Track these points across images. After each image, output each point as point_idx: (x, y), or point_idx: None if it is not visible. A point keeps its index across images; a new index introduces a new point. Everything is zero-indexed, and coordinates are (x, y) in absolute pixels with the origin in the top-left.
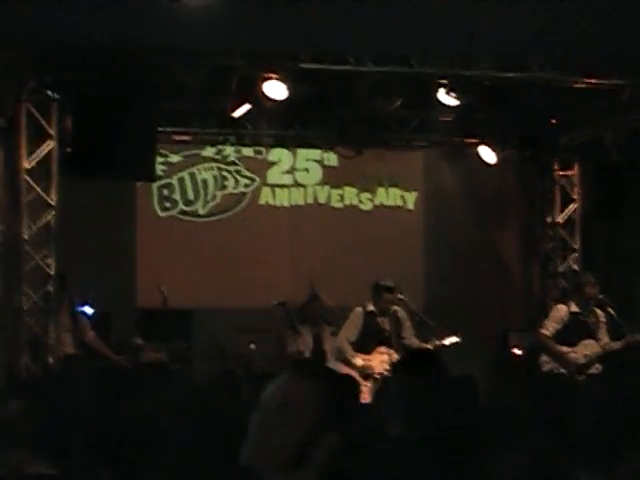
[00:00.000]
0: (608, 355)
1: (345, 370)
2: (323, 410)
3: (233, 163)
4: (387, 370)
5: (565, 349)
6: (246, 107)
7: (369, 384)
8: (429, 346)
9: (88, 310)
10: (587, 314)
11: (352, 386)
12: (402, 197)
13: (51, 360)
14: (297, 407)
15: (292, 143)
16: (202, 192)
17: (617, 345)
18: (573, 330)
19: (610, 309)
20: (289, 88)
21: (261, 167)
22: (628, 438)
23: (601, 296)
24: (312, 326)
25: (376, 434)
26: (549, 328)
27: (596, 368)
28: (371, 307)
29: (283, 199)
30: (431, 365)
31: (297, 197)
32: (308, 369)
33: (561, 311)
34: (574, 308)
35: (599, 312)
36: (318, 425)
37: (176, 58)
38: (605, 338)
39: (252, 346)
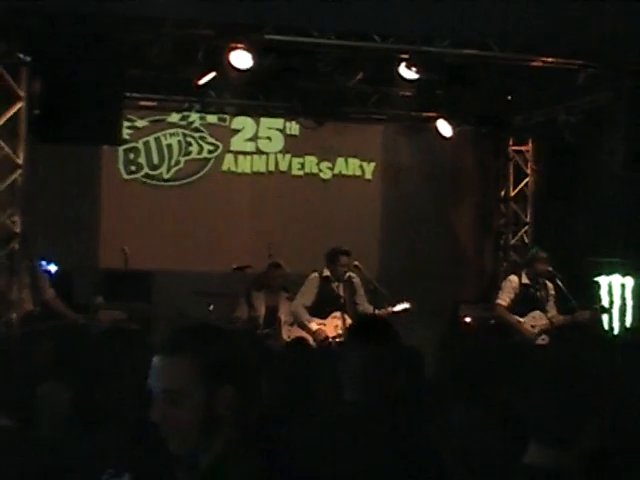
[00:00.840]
0: (555, 328)
1: (300, 334)
2: None
3: (197, 129)
4: (340, 335)
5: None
6: (211, 75)
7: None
8: (381, 312)
9: (52, 268)
10: (537, 287)
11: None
12: (361, 167)
13: (14, 316)
14: None
15: (255, 112)
16: (167, 157)
17: (565, 319)
18: (522, 301)
19: (560, 282)
20: (254, 59)
21: (225, 134)
22: (572, 413)
23: (550, 269)
24: (269, 293)
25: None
26: (505, 299)
27: (542, 339)
28: (327, 273)
29: (245, 166)
30: (381, 331)
31: (259, 164)
32: None
33: (513, 282)
34: (525, 280)
35: (550, 285)
36: None
37: (143, 27)
38: (553, 311)
39: (210, 307)
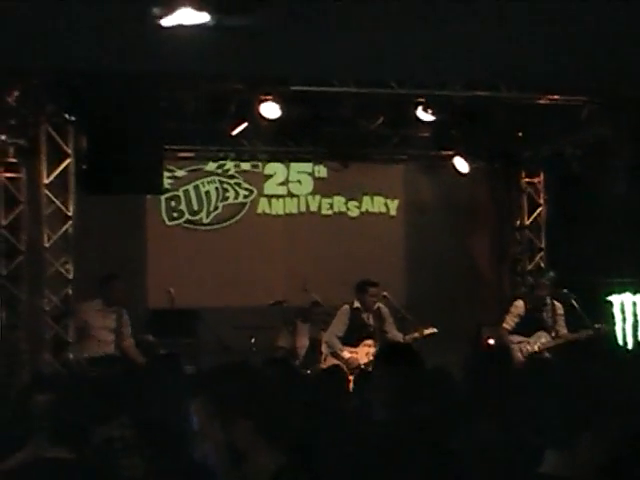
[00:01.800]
0: (560, 345)
1: (333, 362)
2: None
3: (233, 176)
4: (371, 362)
5: (521, 339)
6: (243, 125)
7: (355, 374)
8: (409, 337)
9: None
10: (542, 309)
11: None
12: (385, 204)
13: (71, 357)
14: None
15: (285, 158)
16: (205, 203)
17: (569, 336)
18: (528, 323)
19: (575, 302)
20: (282, 109)
21: (258, 180)
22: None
23: (565, 290)
24: (312, 328)
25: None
26: (509, 322)
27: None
28: (357, 304)
29: (278, 208)
30: (406, 357)
31: (291, 206)
32: None
33: (518, 307)
34: (530, 304)
35: (557, 305)
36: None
37: (180, 83)
38: (562, 330)
39: (252, 340)
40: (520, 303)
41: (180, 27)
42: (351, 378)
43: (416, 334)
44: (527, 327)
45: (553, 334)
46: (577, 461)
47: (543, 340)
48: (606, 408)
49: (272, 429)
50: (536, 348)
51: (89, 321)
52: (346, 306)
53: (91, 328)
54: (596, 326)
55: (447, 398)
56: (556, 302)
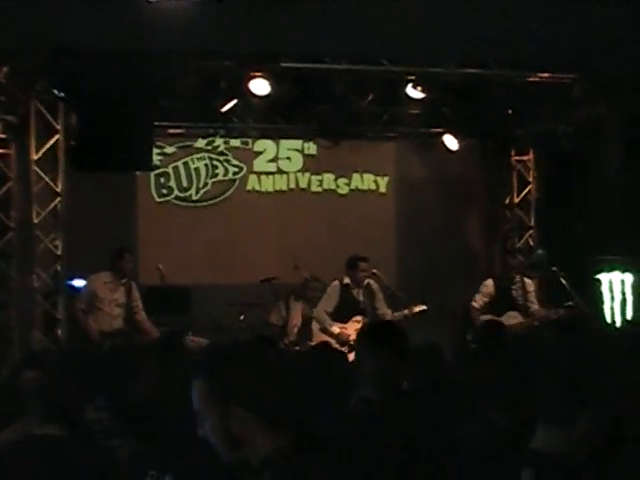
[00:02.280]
0: (530, 325)
1: (323, 338)
2: None
3: (222, 153)
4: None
5: (490, 318)
6: (233, 102)
7: (345, 349)
8: (398, 314)
9: (79, 283)
10: (514, 288)
11: None
12: (375, 181)
13: (59, 333)
14: None
15: (275, 135)
16: (195, 179)
17: (540, 316)
18: (499, 303)
19: (563, 280)
20: (272, 85)
21: (248, 156)
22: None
23: (554, 268)
24: (306, 303)
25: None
26: (478, 301)
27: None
28: (347, 280)
29: (268, 185)
30: (391, 333)
31: (280, 183)
32: None
33: (488, 286)
34: (501, 282)
35: (528, 282)
36: None
37: (169, 60)
38: (534, 306)
39: (242, 317)
40: (490, 282)
41: (170, 2)
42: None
43: (406, 311)
44: (498, 306)
45: (525, 313)
46: (568, 437)
47: (512, 320)
48: (590, 386)
49: (264, 412)
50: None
51: (98, 293)
52: (336, 282)
53: (100, 300)
54: (567, 304)
55: (436, 374)
56: (526, 279)
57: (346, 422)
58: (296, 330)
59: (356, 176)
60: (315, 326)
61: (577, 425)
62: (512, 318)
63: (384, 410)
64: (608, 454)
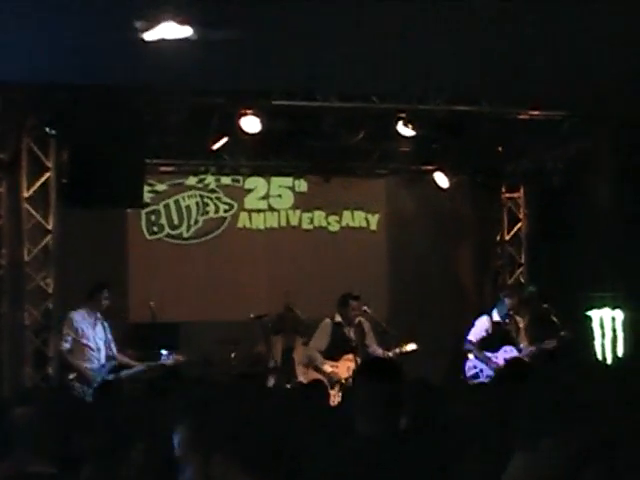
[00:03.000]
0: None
1: (315, 376)
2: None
3: (213, 190)
4: (352, 376)
5: (489, 354)
6: (224, 140)
7: (336, 388)
8: (390, 353)
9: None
10: (507, 323)
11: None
12: (366, 219)
13: (50, 371)
14: None
15: (266, 172)
16: (186, 217)
17: (535, 348)
18: (496, 338)
19: (555, 318)
20: (263, 122)
21: (239, 194)
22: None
23: (545, 305)
24: (285, 336)
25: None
26: (474, 335)
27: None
28: (338, 318)
29: (259, 222)
30: (386, 369)
31: (271, 220)
32: None
33: (483, 322)
34: (496, 318)
35: (518, 319)
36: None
37: (161, 97)
38: (524, 343)
39: (232, 355)
40: (485, 318)
41: (163, 41)
42: (333, 392)
43: (397, 350)
44: (495, 342)
45: (518, 348)
46: (538, 468)
47: (509, 355)
48: (570, 416)
49: (247, 458)
50: (503, 363)
51: (83, 329)
52: (328, 320)
53: (85, 336)
54: (561, 334)
55: (430, 411)
56: (517, 317)
57: (339, 460)
58: (279, 364)
59: (347, 213)
60: (297, 358)
61: (546, 456)
62: (507, 353)
63: (378, 447)
64: None
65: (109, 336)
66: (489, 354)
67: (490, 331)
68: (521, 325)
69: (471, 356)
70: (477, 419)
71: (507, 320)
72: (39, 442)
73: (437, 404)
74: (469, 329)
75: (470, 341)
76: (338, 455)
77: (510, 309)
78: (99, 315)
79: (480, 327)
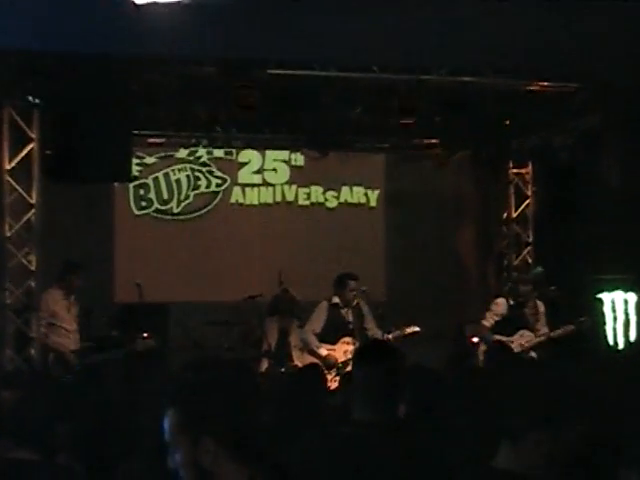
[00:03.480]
0: (543, 343)
1: (310, 360)
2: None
3: (205, 164)
4: (350, 360)
5: (504, 339)
6: (217, 110)
7: (333, 373)
8: (390, 336)
9: None
10: (524, 307)
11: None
12: (365, 195)
13: (32, 352)
14: None
15: (261, 145)
16: (176, 192)
17: (552, 334)
18: (511, 322)
19: (558, 300)
20: (258, 93)
21: (232, 168)
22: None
23: (553, 288)
24: (280, 319)
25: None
26: (489, 320)
27: (531, 356)
28: (336, 299)
29: (253, 198)
30: (386, 353)
31: (266, 196)
32: None
33: (500, 305)
34: (512, 302)
35: (539, 303)
36: None
37: (150, 66)
38: (543, 328)
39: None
40: (501, 301)
41: (154, 4)
42: (330, 377)
43: (397, 332)
44: (509, 326)
45: (536, 333)
46: (530, 457)
47: (524, 340)
48: (569, 407)
49: (237, 443)
50: (519, 347)
51: (57, 310)
52: (324, 302)
53: (60, 318)
54: (580, 319)
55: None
56: (538, 301)
57: (333, 446)
58: (274, 348)
59: (345, 189)
60: (293, 341)
61: (542, 444)
62: (523, 337)
63: (376, 433)
64: (575, 473)
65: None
66: (504, 338)
67: (506, 314)
68: (541, 309)
69: (481, 341)
70: (477, 405)
71: (524, 305)
72: (21, 428)
73: (437, 390)
74: (484, 312)
75: (483, 325)
76: (332, 442)
77: (522, 295)
78: (73, 297)
79: (495, 310)
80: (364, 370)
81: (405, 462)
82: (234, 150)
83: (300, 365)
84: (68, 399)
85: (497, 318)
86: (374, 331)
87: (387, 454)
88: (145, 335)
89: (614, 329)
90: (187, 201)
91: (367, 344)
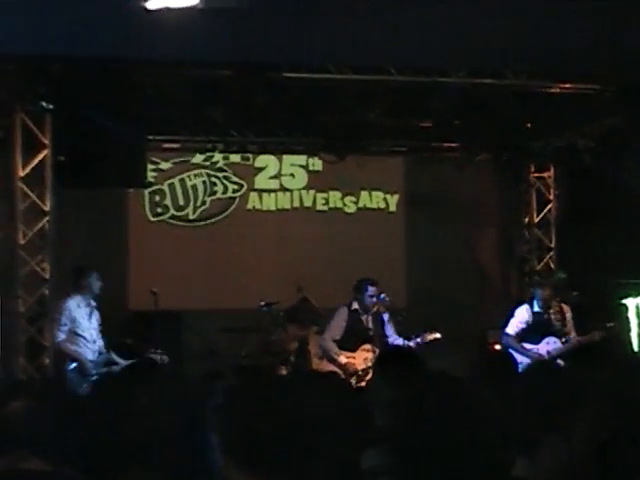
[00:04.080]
0: (569, 350)
1: (329, 368)
2: None
3: (221, 169)
4: (369, 367)
5: (530, 346)
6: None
7: (352, 381)
8: (411, 343)
9: None
10: (549, 313)
11: None
12: (385, 199)
13: (47, 361)
14: None
15: (278, 149)
16: (192, 197)
17: (578, 341)
18: (536, 329)
19: (582, 306)
20: (274, 97)
21: (248, 173)
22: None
23: (575, 293)
24: (299, 327)
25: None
26: (513, 327)
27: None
28: (355, 305)
29: (270, 203)
30: (407, 360)
31: (283, 201)
32: None
33: (524, 312)
34: (536, 308)
35: (565, 308)
36: None
37: (165, 69)
38: (572, 333)
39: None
40: (524, 308)
41: (167, 10)
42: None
43: (418, 339)
44: (535, 333)
45: (563, 339)
46: (548, 466)
47: (551, 347)
48: (591, 413)
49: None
50: (545, 355)
51: (80, 320)
52: (344, 307)
53: (80, 327)
54: (608, 325)
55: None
56: (564, 305)
57: (356, 455)
58: (293, 356)
59: (364, 194)
60: (313, 349)
61: (560, 453)
62: (550, 345)
63: (398, 441)
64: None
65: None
66: (530, 346)
67: (530, 322)
68: (568, 315)
69: (511, 350)
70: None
71: (548, 310)
72: (34, 438)
73: (460, 397)
74: (507, 320)
75: (508, 334)
76: (356, 450)
77: (544, 300)
78: (92, 302)
79: (519, 318)
80: (385, 378)
81: (426, 469)
82: (251, 155)
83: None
84: (82, 409)
85: (522, 325)
86: (394, 337)
87: (410, 461)
88: (159, 351)
89: (639, 335)
90: (203, 207)
91: (388, 351)
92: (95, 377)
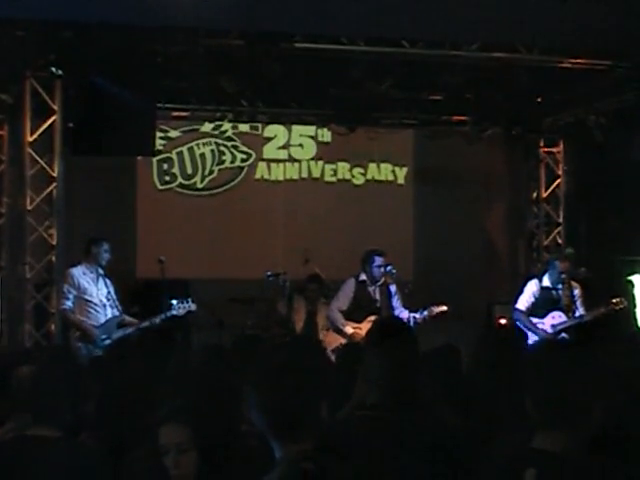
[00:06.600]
0: (576, 326)
1: (335, 338)
2: None
3: (230, 139)
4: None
5: (535, 320)
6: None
7: None
8: (418, 315)
9: None
10: (559, 288)
11: None
12: (393, 172)
13: (53, 328)
14: None
15: (287, 120)
16: (200, 166)
17: (587, 316)
18: (543, 303)
19: (588, 282)
20: (285, 67)
21: (257, 142)
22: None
23: (583, 269)
24: (308, 300)
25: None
26: (523, 302)
27: (562, 339)
28: (363, 277)
29: (278, 174)
30: (399, 334)
31: (292, 172)
32: None
33: (533, 286)
34: (546, 283)
35: (574, 284)
36: None
37: (175, 37)
38: (580, 310)
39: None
40: (533, 282)
41: None
42: None
43: (425, 312)
44: (541, 308)
45: (570, 314)
46: (567, 438)
47: (557, 321)
48: (603, 385)
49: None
50: (550, 330)
51: (86, 286)
52: (352, 278)
53: (88, 293)
54: (613, 301)
55: (459, 374)
56: (573, 282)
57: (345, 429)
58: (301, 326)
59: (372, 166)
60: (321, 322)
61: (577, 426)
62: (555, 319)
63: (387, 418)
64: (609, 453)
65: (112, 292)
66: (535, 320)
67: (538, 296)
68: (576, 291)
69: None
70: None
71: (564, 284)
72: (41, 404)
73: (469, 370)
74: (517, 296)
75: (519, 310)
76: (349, 425)
77: (562, 272)
78: (100, 270)
79: (528, 293)
80: (375, 352)
81: (413, 450)
82: (260, 125)
83: (327, 345)
84: (92, 377)
85: (531, 300)
86: (400, 310)
87: (395, 441)
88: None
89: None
90: (211, 176)
91: (378, 324)
92: (107, 341)
